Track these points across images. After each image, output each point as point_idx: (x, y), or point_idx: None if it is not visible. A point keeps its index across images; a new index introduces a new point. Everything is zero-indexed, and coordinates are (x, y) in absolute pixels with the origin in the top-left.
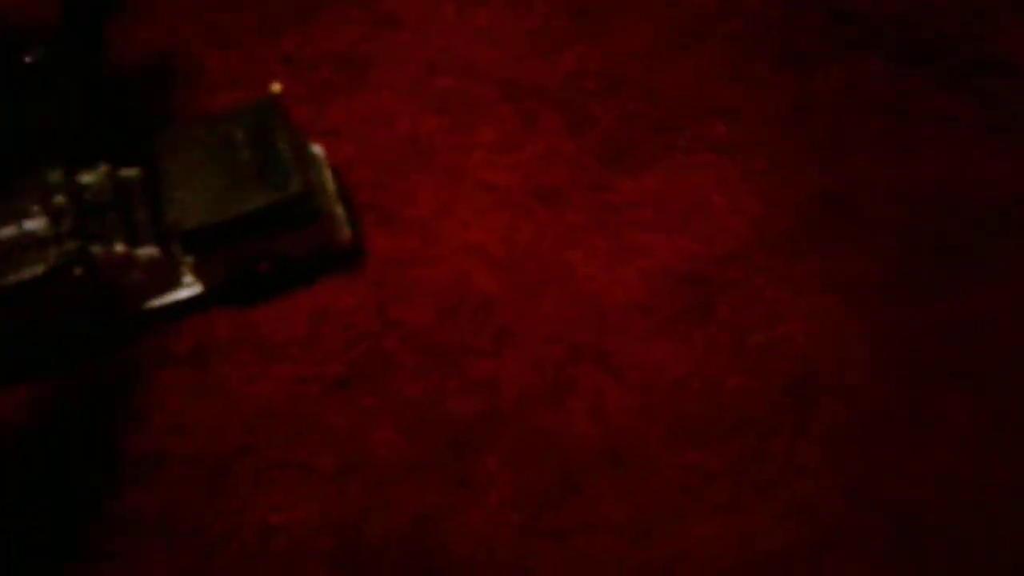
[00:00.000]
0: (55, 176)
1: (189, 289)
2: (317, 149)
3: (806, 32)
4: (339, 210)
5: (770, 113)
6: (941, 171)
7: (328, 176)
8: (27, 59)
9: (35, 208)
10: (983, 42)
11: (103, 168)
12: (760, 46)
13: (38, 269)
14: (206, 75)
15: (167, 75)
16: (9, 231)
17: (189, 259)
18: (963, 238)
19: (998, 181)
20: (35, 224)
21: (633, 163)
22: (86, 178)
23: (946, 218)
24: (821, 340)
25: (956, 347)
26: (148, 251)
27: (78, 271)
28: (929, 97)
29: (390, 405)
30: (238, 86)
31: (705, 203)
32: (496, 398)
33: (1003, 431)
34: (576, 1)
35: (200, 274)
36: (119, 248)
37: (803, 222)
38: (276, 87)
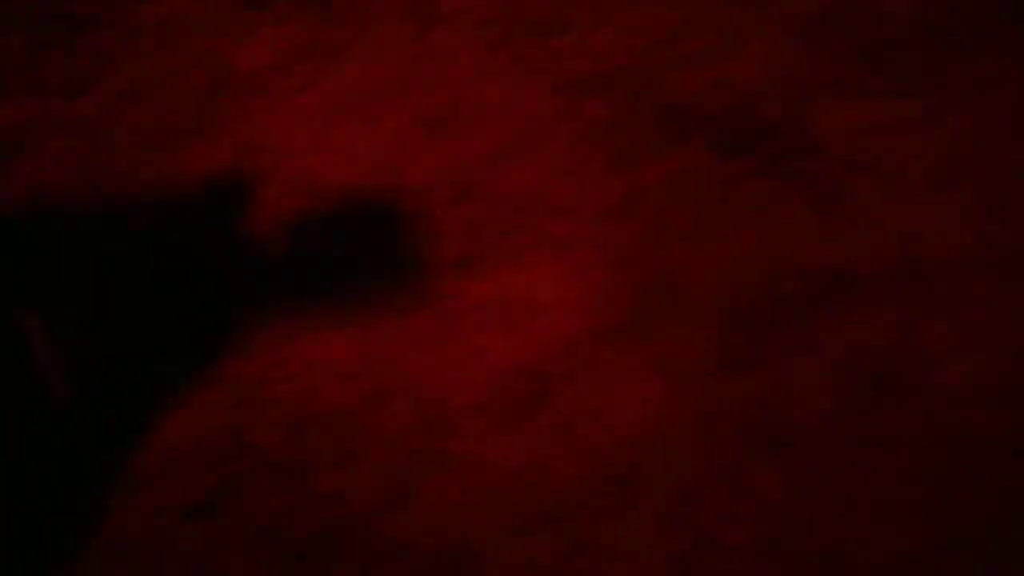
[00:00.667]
0: None
1: None
2: None
3: (637, 129)
4: None
5: (604, 208)
6: (758, 252)
7: None
8: None
9: None
10: (798, 127)
11: None
12: (595, 145)
13: None
14: None
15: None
16: None
17: None
18: (776, 314)
19: (812, 259)
20: None
21: (480, 267)
22: None
23: (762, 297)
24: (650, 425)
25: (770, 418)
26: None
27: None
28: (750, 183)
29: (242, 528)
30: None
31: (543, 300)
32: (343, 510)
33: (808, 497)
34: (427, 112)
35: None
36: None
37: (633, 311)
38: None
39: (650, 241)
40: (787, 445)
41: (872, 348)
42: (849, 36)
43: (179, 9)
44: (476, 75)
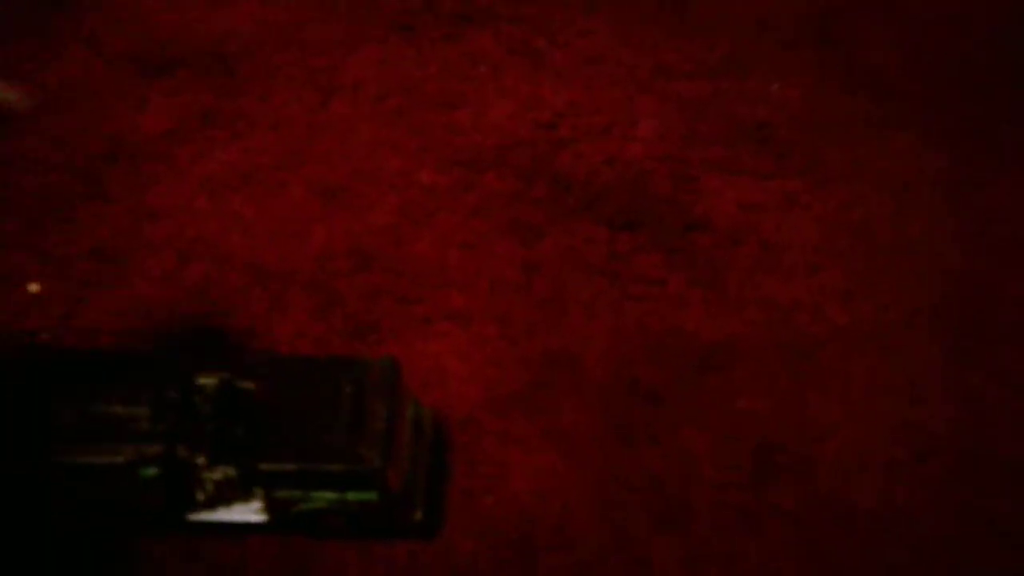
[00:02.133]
0: (177, 369)
1: (256, 516)
2: (427, 416)
3: (533, 202)
4: (418, 487)
5: (502, 280)
6: (648, 326)
7: (424, 450)
8: None
9: (144, 394)
10: (685, 203)
11: (223, 375)
12: (495, 217)
13: (116, 459)
14: None
15: None
16: (109, 407)
17: (260, 491)
18: (667, 385)
19: (698, 331)
20: (135, 410)
21: (376, 337)
22: (203, 380)
23: (652, 369)
24: (544, 495)
25: (662, 490)
26: (225, 471)
27: (149, 473)
28: (639, 257)
29: None
30: None
31: (441, 371)
32: None
33: (704, 568)
34: (326, 183)
35: (269, 507)
36: (200, 460)
37: (529, 382)
38: (33, 287)
39: (545, 314)
40: (682, 520)
41: (757, 421)
42: (735, 118)
43: (76, 75)
44: (375, 147)
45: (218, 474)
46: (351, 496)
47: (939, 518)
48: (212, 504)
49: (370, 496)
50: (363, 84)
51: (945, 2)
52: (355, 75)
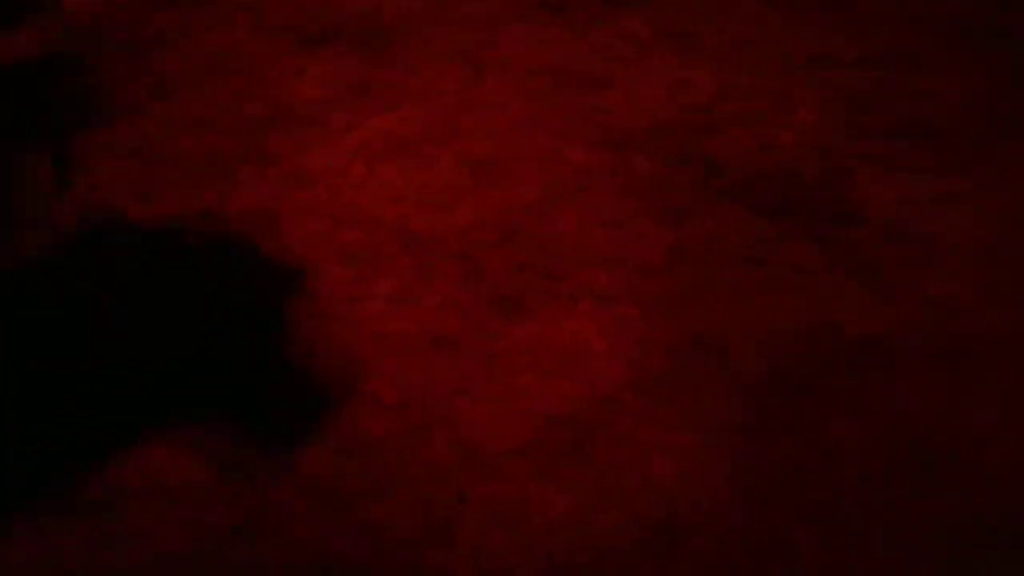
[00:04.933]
0: None
1: None
2: None
3: (682, 185)
4: None
5: (646, 262)
6: (797, 316)
7: None
8: None
9: None
10: (840, 194)
11: None
12: (641, 199)
13: None
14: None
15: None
16: None
17: None
18: (815, 378)
19: (847, 324)
20: None
21: (521, 311)
22: None
23: (801, 360)
24: (686, 478)
25: (807, 482)
26: None
27: None
28: (790, 246)
29: (282, 553)
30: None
31: (584, 348)
32: (383, 541)
33: (849, 562)
34: (475, 156)
35: None
36: None
37: (673, 365)
38: (190, 238)
39: (690, 298)
40: (826, 510)
41: (911, 421)
42: (897, 110)
43: (240, 40)
44: (524, 124)
45: None
46: None
47: None
48: None
49: None
50: (513, 61)
51: None
52: (505, 52)
